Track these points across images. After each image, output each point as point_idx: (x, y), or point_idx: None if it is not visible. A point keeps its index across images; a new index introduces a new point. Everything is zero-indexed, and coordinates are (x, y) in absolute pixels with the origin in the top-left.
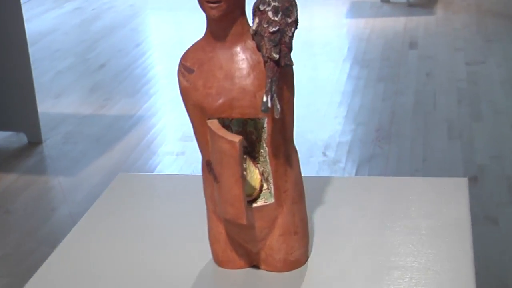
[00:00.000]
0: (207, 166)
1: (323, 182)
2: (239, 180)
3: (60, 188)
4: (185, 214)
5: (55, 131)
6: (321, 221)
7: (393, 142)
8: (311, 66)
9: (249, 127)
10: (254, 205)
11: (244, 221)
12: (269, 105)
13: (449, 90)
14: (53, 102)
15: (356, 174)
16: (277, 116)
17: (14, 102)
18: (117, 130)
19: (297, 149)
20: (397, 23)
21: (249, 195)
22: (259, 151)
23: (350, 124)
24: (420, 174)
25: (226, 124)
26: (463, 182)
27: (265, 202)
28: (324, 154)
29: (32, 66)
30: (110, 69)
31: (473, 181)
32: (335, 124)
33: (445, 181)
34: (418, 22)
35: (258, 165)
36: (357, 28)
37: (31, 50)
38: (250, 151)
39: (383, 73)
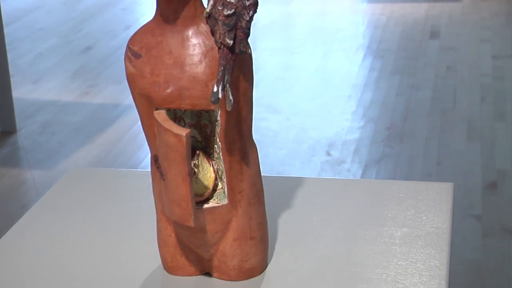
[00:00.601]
0: (155, 162)
1: (295, 182)
2: (187, 178)
3: (33, 183)
4: (137, 213)
5: (32, 120)
6: (286, 226)
7: (406, 142)
8: (320, 55)
9: (203, 120)
10: (206, 206)
11: (192, 223)
12: (220, 96)
13: (471, 86)
14: (31, 87)
15: (362, 176)
16: (228, 108)
17: None
18: (100, 120)
19: (298, 146)
20: (418, 10)
21: (200, 195)
22: (214, 146)
23: (358, 121)
24: (433, 178)
25: (178, 116)
26: (448, 187)
27: (217, 203)
28: (328, 154)
29: (10, 47)
30: (97, 53)
31: (492, 187)
32: (342, 120)
33: (429, 186)
34: (442, 9)
35: (213, 162)
36: (373, 14)
37: (10, 29)
38: (205, 146)
39: (398, 65)
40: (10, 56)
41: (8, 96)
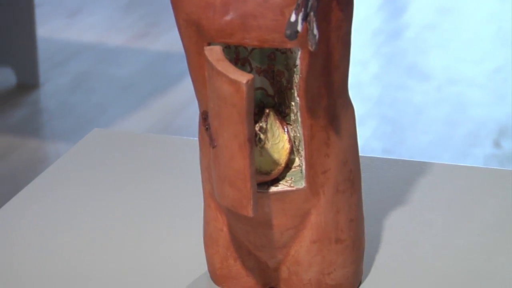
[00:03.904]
0: (203, 120)
1: (420, 167)
2: (245, 145)
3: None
4: (177, 196)
5: (61, 70)
6: (395, 227)
7: None
8: None
9: (277, 65)
10: (273, 189)
11: (250, 212)
12: (299, 28)
13: None
14: (64, 23)
15: None
16: (312, 47)
17: None
18: (160, 76)
19: (452, 130)
20: None
21: (267, 173)
22: (290, 104)
23: None
24: None
25: (242, 56)
26: None
27: (291, 187)
28: (497, 144)
29: None
30: None
31: None
32: None
33: None
34: None
35: (289, 127)
36: None
37: None
38: (278, 103)
39: None
40: None
41: (30, 35)
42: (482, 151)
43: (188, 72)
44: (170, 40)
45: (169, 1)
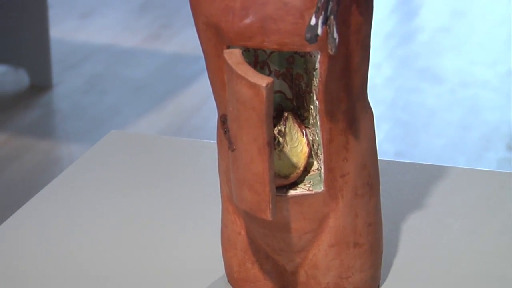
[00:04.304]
0: (222, 124)
1: (437, 171)
2: (265, 148)
3: (70, 163)
4: (194, 199)
5: (74, 71)
6: (413, 231)
7: None
8: None
9: (296, 69)
10: (292, 192)
11: (268, 215)
12: (319, 31)
13: None
14: (77, 24)
15: None
16: (331, 51)
17: (12, 22)
18: (173, 77)
19: (466, 134)
20: None
21: (285, 176)
22: (309, 108)
23: None
24: None
25: (261, 60)
26: None
27: (309, 191)
28: (510, 147)
29: None
30: None
31: None
32: None
33: None
34: None
35: (307, 130)
36: None
37: None
38: (297, 107)
39: None
40: None
41: (43, 36)
42: (495, 155)
43: (202, 74)
44: (183, 42)
45: (182, 3)
